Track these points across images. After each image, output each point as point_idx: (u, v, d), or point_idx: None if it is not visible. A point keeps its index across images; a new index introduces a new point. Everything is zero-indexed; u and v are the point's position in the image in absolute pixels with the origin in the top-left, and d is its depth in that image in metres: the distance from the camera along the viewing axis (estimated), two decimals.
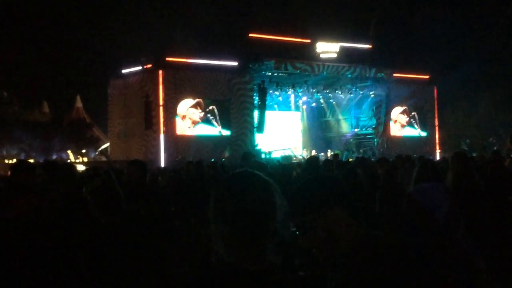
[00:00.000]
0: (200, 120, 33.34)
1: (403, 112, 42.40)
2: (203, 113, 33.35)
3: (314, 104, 43.66)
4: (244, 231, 2.18)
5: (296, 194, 2.57)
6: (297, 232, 2.50)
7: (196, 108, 33.13)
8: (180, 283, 2.26)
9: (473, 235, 5.06)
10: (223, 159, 26.84)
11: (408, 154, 16.84)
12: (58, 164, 6.84)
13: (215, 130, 33.97)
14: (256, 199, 2.20)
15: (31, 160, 31.61)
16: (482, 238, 5.25)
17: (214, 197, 2.28)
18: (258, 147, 35.14)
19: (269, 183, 2.28)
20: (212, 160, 26.80)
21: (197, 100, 33.05)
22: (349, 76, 37.99)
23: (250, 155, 8.96)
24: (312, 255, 2.52)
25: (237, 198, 2.20)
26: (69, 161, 34.85)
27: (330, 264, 2.50)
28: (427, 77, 42.93)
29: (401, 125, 42.51)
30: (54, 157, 39.11)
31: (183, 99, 32.72)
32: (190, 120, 33.01)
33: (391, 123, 42.04)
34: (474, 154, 24.47)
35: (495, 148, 28.07)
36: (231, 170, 10.36)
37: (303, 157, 32.73)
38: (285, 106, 42.50)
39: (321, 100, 43.00)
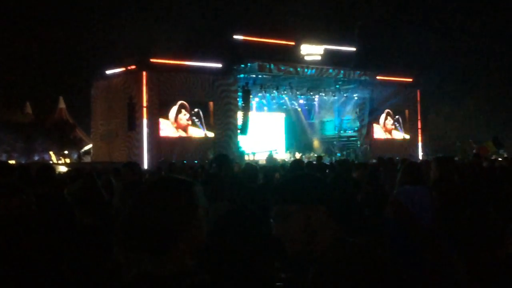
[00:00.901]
0: (189, 123, 33.38)
1: (388, 116, 42.54)
2: (188, 115, 33.34)
3: (298, 106, 43.74)
4: (156, 238, 2.16)
5: (282, 184, 2.58)
6: (274, 221, 2.50)
7: (181, 112, 33.11)
8: None
9: (452, 236, 5.10)
10: (207, 161, 26.77)
11: (390, 157, 16.89)
12: (32, 167, 6.82)
13: (200, 132, 33.96)
14: (170, 205, 2.19)
15: (13, 162, 31.37)
16: (460, 240, 5.29)
17: (128, 205, 2.26)
18: (241, 149, 35.25)
19: (189, 186, 2.29)
20: (195, 161, 26.83)
21: (180, 103, 32.99)
22: (333, 78, 38.11)
23: (225, 158, 8.34)
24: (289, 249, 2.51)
25: (150, 205, 2.20)
26: (51, 162, 34.61)
27: (301, 258, 2.50)
28: (410, 80, 43.10)
29: (387, 129, 42.64)
30: (36, 158, 38.87)
31: (171, 106, 32.74)
32: (180, 126, 33.05)
33: (378, 127, 42.16)
34: (456, 158, 24.67)
35: (473, 151, 28.30)
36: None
37: (284, 160, 32.75)
38: (269, 108, 42.57)
39: (305, 102, 43.14)
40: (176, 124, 32.96)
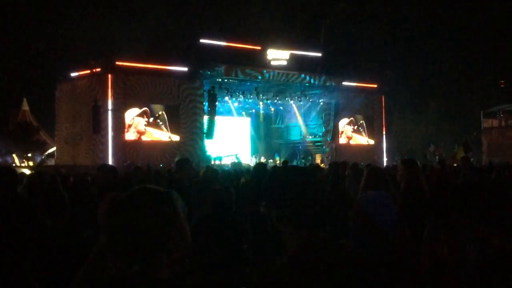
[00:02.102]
0: (145, 131, 33.03)
1: (349, 123, 42.77)
2: (152, 118, 33.12)
3: (263, 111, 43.88)
4: (138, 246, 2.18)
5: (269, 180, 2.57)
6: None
7: (143, 117, 32.82)
8: None
9: (416, 241, 5.16)
10: (172, 165, 26.63)
11: (355, 162, 16.99)
12: None
13: (165, 135, 33.79)
14: (150, 215, 2.21)
15: None
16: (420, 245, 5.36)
17: (108, 214, 2.28)
18: (207, 153, 35.17)
19: (168, 196, 2.30)
20: (161, 165, 26.71)
21: (143, 109, 32.77)
22: (299, 83, 38.27)
23: (184, 162, 8.71)
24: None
25: (130, 216, 2.21)
26: (14, 165, 34.16)
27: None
28: (375, 85, 43.46)
29: (351, 134, 42.83)
30: None
31: (130, 108, 32.45)
32: (135, 129, 32.69)
33: (339, 134, 42.35)
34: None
35: (436, 156, 28.71)
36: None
37: (248, 164, 32.81)
38: (235, 112, 42.61)
39: (271, 107, 43.28)
40: (133, 127, 32.60)
